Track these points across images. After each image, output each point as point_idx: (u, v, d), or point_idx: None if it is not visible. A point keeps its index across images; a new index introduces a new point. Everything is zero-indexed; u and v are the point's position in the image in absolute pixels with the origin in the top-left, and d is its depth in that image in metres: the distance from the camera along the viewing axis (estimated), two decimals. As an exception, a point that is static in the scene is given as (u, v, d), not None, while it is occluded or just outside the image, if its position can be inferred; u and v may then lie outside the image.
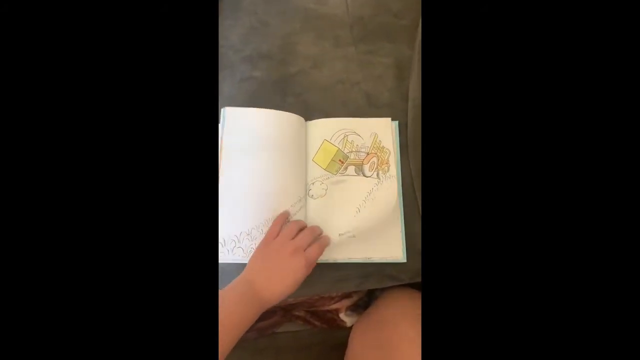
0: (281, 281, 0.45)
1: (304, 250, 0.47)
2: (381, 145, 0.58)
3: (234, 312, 0.41)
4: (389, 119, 0.60)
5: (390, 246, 0.54)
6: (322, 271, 0.54)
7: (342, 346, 0.58)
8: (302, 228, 0.51)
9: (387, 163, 0.57)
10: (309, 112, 0.59)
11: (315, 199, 0.56)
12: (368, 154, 0.57)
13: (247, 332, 0.45)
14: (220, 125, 0.56)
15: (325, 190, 0.56)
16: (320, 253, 0.49)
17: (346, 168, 0.57)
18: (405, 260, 0.54)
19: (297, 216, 0.54)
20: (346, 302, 0.63)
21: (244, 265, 0.49)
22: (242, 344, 0.43)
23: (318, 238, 0.52)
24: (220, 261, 0.52)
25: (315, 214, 0.55)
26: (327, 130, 0.58)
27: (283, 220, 0.52)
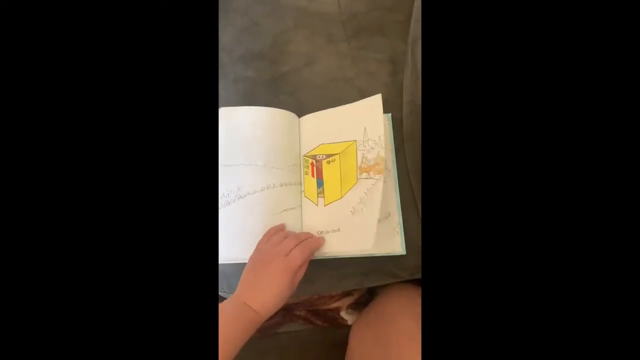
0: (269, 292, 0.43)
1: (286, 256, 0.46)
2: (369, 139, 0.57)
3: (224, 331, 0.40)
4: (379, 95, 0.57)
5: (389, 240, 0.54)
6: (322, 270, 0.54)
7: (343, 344, 0.58)
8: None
9: (379, 163, 0.57)
10: (303, 110, 0.59)
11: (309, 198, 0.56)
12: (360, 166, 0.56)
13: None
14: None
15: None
16: (304, 256, 0.47)
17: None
18: (404, 253, 0.54)
19: (292, 213, 0.54)
20: (347, 300, 0.63)
21: (243, 265, 0.49)
22: (244, 345, 0.42)
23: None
24: (221, 262, 0.52)
25: (309, 213, 0.55)
26: (319, 130, 0.58)
27: (275, 230, 0.51)
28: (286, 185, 0.55)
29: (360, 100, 0.57)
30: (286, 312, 0.63)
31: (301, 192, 0.56)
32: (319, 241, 0.51)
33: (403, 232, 0.54)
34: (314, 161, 0.56)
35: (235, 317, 0.42)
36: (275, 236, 0.49)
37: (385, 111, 0.59)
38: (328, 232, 0.53)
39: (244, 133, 0.56)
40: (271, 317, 0.65)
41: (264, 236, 0.50)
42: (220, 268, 0.55)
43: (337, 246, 0.53)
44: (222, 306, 0.42)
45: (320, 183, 0.56)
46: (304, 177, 0.56)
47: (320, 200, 0.55)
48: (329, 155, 0.56)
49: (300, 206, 0.55)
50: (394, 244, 0.54)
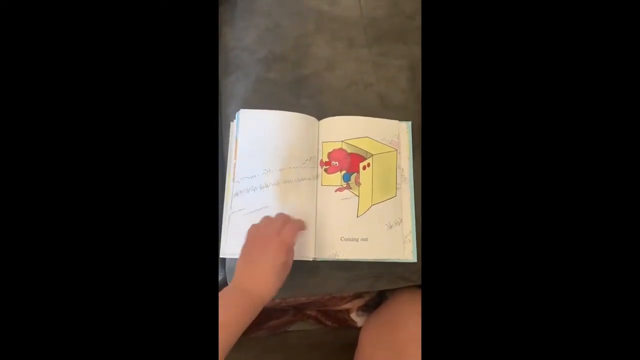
0: (267, 272, 0.44)
1: (278, 235, 0.45)
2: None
3: (224, 316, 0.39)
4: (398, 121, 0.60)
5: (400, 246, 0.55)
6: (335, 271, 0.55)
7: (352, 346, 0.59)
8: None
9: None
10: (323, 113, 0.60)
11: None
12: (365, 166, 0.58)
13: (258, 330, 0.45)
14: (235, 128, 0.58)
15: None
16: (294, 230, 0.47)
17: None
18: (415, 260, 0.54)
19: (307, 215, 0.55)
20: (357, 302, 0.63)
21: None
22: (253, 342, 0.43)
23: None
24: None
25: (324, 214, 0.56)
26: (342, 130, 0.59)
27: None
28: (301, 180, 0.56)
29: (389, 120, 0.60)
30: (297, 310, 0.64)
31: (316, 185, 0.57)
32: (302, 221, 0.51)
33: (415, 240, 0.55)
34: (342, 153, 0.57)
35: (234, 303, 0.42)
36: (263, 219, 0.49)
37: (403, 118, 0.60)
38: (357, 240, 0.54)
39: (263, 136, 0.57)
40: (281, 315, 0.66)
41: (252, 226, 0.49)
42: (229, 264, 0.56)
43: (362, 252, 0.54)
44: (220, 294, 0.42)
45: (347, 177, 0.57)
46: (322, 174, 0.57)
47: (347, 195, 0.56)
48: (355, 152, 0.57)
49: (315, 198, 0.56)
50: (406, 251, 0.55)
